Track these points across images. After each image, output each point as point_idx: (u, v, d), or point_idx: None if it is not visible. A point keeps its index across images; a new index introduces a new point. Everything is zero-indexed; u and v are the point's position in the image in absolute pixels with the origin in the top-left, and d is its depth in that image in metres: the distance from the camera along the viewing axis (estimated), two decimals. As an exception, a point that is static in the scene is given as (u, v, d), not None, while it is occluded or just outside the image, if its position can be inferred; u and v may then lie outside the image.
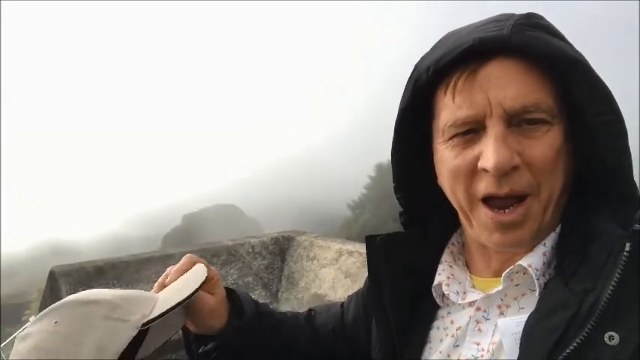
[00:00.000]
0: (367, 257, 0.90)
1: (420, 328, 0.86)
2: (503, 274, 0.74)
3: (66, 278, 1.99)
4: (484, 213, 0.72)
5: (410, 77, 0.80)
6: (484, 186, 0.71)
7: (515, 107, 0.69)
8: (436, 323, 0.84)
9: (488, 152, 0.69)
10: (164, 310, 0.86)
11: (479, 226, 0.74)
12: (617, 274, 0.62)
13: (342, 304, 1.11)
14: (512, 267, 0.74)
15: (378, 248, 0.88)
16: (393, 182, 0.89)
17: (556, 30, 0.74)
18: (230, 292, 1.03)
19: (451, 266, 0.85)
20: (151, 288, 2.08)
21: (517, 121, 0.70)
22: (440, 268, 0.85)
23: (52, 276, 2.04)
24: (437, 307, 0.85)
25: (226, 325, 0.98)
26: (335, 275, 2.24)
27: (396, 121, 0.82)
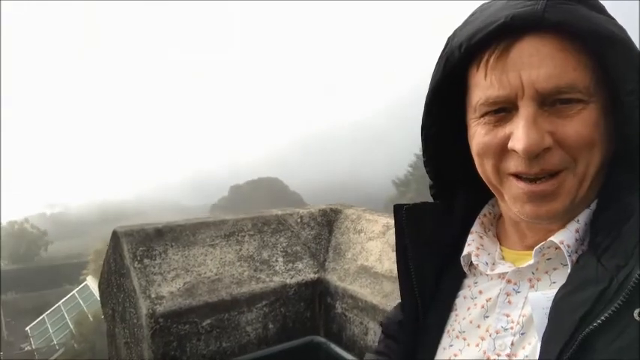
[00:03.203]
0: (395, 226, 0.94)
1: (445, 296, 0.88)
2: (535, 249, 0.75)
3: (127, 238, 2.11)
4: (515, 185, 0.73)
5: (442, 53, 0.80)
6: (514, 164, 0.72)
7: (548, 88, 0.68)
8: (462, 292, 0.87)
9: (519, 134, 0.68)
10: None
11: (510, 198, 0.75)
12: None
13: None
14: (543, 243, 0.74)
15: (405, 217, 0.91)
16: (423, 157, 0.91)
17: (595, 1, 0.72)
18: None
19: (481, 237, 0.86)
20: (206, 251, 2.20)
21: (550, 102, 0.69)
22: (470, 238, 0.86)
23: (115, 235, 2.17)
24: (463, 276, 0.88)
25: None
26: (382, 248, 2.27)
27: (427, 96, 0.83)
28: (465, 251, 0.85)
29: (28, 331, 27.02)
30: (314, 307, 2.34)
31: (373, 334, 2.07)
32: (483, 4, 0.78)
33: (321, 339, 2.25)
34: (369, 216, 2.55)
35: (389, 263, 2.17)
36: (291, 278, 2.30)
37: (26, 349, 25.46)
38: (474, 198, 0.91)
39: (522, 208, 0.73)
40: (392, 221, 2.40)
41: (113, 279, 2.26)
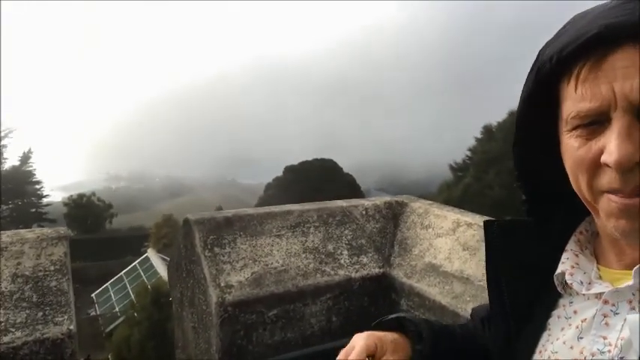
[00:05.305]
0: (485, 242, 0.92)
1: (539, 315, 0.86)
2: (634, 269, 0.71)
3: (199, 226, 2.15)
4: (608, 198, 0.70)
5: (532, 66, 0.78)
6: (607, 181, 0.69)
7: None
8: (557, 312, 0.84)
9: (611, 147, 0.66)
10: None
11: (604, 214, 0.72)
12: None
13: None
14: None
15: (497, 233, 0.90)
16: (515, 171, 0.88)
17: None
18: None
19: (577, 255, 0.84)
20: (273, 242, 2.21)
21: None
22: (564, 256, 0.84)
23: (187, 223, 2.22)
24: (557, 295, 0.85)
25: None
26: (452, 246, 2.20)
27: (518, 111, 0.81)
28: (559, 269, 0.83)
29: (94, 297, 28.75)
30: (378, 302, 2.31)
31: (440, 335, 2.02)
32: (577, 15, 0.76)
33: (385, 335, 2.22)
34: (437, 211, 2.47)
35: (459, 263, 2.10)
36: (356, 272, 2.28)
37: (92, 314, 27.15)
38: (572, 213, 0.88)
39: (617, 223, 0.70)
40: (462, 217, 2.32)
41: (183, 264, 2.32)
